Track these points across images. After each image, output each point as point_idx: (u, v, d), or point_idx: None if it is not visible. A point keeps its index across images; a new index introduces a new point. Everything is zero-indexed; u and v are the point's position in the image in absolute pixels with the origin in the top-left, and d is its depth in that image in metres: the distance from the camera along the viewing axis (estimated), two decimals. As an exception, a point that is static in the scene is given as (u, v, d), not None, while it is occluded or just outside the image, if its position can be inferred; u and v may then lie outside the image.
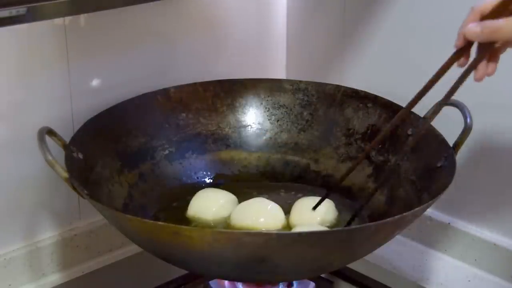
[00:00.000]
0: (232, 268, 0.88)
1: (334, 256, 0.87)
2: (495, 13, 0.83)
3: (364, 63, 1.26)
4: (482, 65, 0.87)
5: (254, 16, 1.31)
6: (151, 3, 1.08)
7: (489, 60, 0.87)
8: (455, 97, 1.04)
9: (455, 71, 0.91)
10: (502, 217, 1.14)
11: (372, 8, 1.23)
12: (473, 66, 0.87)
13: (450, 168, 0.95)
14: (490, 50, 0.86)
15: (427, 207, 0.89)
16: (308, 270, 0.91)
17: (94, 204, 0.88)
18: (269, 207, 1.04)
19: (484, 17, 0.84)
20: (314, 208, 1.03)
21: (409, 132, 1.07)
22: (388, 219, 0.86)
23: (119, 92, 1.10)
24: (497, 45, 0.85)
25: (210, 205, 1.06)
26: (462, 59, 0.88)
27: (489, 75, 0.87)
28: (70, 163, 0.93)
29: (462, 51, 0.87)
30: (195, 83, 1.16)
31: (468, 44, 0.87)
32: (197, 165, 1.14)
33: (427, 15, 1.16)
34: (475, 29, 0.84)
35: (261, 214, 1.03)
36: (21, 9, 0.85)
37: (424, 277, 1.19)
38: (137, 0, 1.08)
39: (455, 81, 0.89)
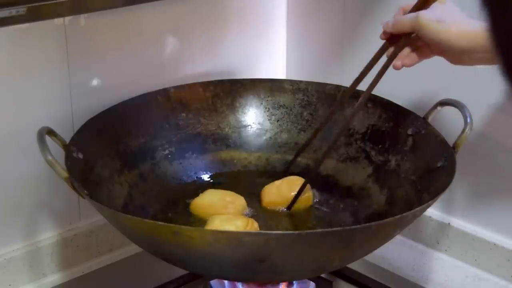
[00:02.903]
0: (232, 268, 0.88)
1: (334, 256, 0.87)
2: (413, 10, 0.94)
3: (364, 63, 1.26)
4: (402, 56, 0.97)
5: (254, 16, 1.31)
6: (151, 3, 1.08)
7: (412, 52, 0.97)
8: (455, 97, 1.04)
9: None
10: (502, 217, 1.14)
11: (372, 8, 1.23)
12: (393, 56, 0.97)
13: (450, 168, 0.95)
14: (407, 42, 0.96)
15: (427, 207, 0.89)
16: (308, 270, 0.91)
17: (94, 204, 0.88)
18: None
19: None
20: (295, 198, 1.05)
21: (409, 132, 1.07)
22: (388, 219, 0.86)
23: (119, 92, 1.10)
24: (417, 39, 0.95)
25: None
26: (390, 50, 0.98)
27: (406, 65, 0.97)
28: (70, 163, 0.93)
29: (389, 43, 0.98)
30: (195, 83, 1.16)
31: (391, 36, 0.97)
32: (197, 165, 1.14)
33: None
34: (387, 22, 0.97)
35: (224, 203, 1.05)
36: (21, 9, 0.86)
37: (424, 277, 1.19)
38: (137, 0, 1.08)
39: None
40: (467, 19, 0.91)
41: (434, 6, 0.93)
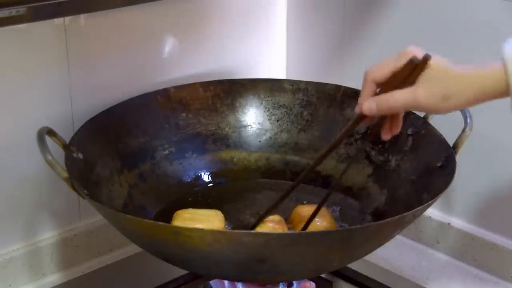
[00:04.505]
0: (232, 268, 0.88)
1: (334, 256, 0.87)
2: (389, 83, 0.85)
3: (364, 63, 1.25)
4: (386, 127, 0.90)
5: (254, 16, 1.31)
6: (151, 3, 1.08)
7: (392, 122, 0.90)
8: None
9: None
10: (502, 217, 1.14)
11: (372, 8, 1.23)
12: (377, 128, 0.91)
13: (450, 168, 0.95)
14: (389, 116, 0.90)
15: (427, 207, 0.89)
16: (308, 270, 0.91)
17: (94, 204, 0.88)
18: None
19: (379, 85, 0.86)
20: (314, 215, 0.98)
21: (409, 132, 1.07)
22: (388, 219, 0.86)
23: (119, 92, 1.10)
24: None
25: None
26: (366, 120, 0.90)
27: (394, 134, 0.91)
28: (70, 163, 0.93)
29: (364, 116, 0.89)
30: (195, 83, 1.16)
31: None
32: (197, 165, 1.14)
33: (425, 16, 1.16)
34: (371, 106, 0.86)
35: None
36: (21, 9, 0.85)
37: (424, 277, 1.19)
38: (137, 0, 1.08)
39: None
40: (459, 75, 0.82)
41: (423, 75, 0.82)
